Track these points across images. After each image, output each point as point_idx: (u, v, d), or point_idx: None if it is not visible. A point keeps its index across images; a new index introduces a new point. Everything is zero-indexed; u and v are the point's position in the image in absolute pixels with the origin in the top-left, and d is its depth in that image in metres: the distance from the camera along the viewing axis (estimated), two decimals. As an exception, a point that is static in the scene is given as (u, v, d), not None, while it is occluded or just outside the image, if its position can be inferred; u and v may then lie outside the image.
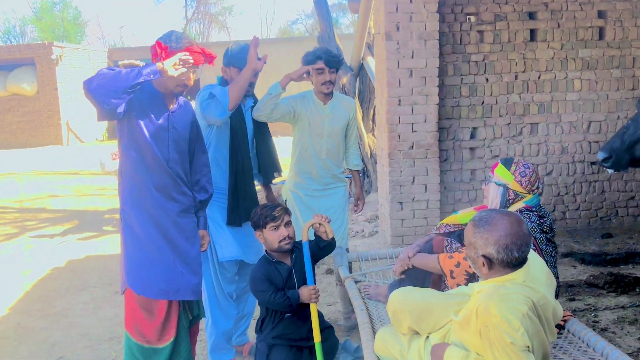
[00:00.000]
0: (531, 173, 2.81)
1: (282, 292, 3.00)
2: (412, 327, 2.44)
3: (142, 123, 2.63)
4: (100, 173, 12.68)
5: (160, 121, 2.68)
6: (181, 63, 2.57)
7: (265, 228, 3.00)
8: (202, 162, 2.93)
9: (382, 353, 2.53)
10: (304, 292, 3.00)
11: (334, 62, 3.58)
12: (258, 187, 3.63)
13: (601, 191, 5.97)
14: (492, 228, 2.05)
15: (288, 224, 3.03)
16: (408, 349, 2.42)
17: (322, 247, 3.13)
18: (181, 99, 2.83)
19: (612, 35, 5.76)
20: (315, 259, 3.17)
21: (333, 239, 3.15)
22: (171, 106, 2.74)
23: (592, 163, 5.92)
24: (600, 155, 3.61)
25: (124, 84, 2.42)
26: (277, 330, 3.10)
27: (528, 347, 1.94)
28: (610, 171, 3.67)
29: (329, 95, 3.70)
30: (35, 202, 9.69)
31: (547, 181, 5.88)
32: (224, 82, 3.26)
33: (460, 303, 2.30)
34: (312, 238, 3.18)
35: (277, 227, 2.99)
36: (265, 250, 3.12)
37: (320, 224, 3.09)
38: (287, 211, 3.08)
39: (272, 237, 2.99)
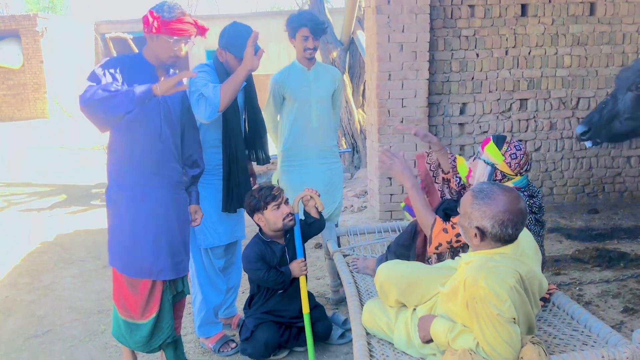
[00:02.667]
0: (522, 155, 2.71)
1: (275, 269, 3.04)
2: (399, 300, 2.47)
3: None
4: (87, 147, 12.60)
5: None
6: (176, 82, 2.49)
7: (266, 209, 3.02)
8: (193, 138, 2.90)
9: (370, 325, 2.55)
10: (295, 267, 3.05)
11: (319, 29, 3.57)
12: None
13: (588, 167, 6.01)
14: (491, 202, 2.05)
15: (287, 201, 3.07)
16: (395, 321, 2.45)
17: (310, 224, 3.15)
18: (171, 71, 2.79)
19: (603, 11, 5.74)
20: (305, 237, 3.19)
21: (322, 216, 3.17)
22: (162, 79, 2.70)
23: (580, 139, 5.95)
24: (579, 129, 3.64)
25: (118, 112, 2.39)
26: (267, 306, 3.13)
27: (514, 318, 1.97)
28: (588, 144, 3.69)
29: (311, 61, 3.69)
30: (22, 176, 9.60)
31: (535, 157, 5.91)
32: (217, 62, 3.17)
33: (447, 276, 2.33)
34: (302, 217, 3.20)
35: (278, 206, 3.02)
36: (260, 230, 3.14)
37: (310, 197, 3.11)
38: (281, 190, 3.12)
39: (275, 216, 3.02)
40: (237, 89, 2.92)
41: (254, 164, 3.54)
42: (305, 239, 3.22)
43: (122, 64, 2.60)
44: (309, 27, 3.52)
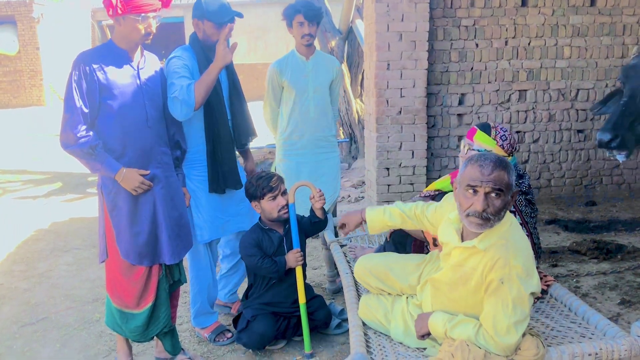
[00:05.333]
0: (510, 136, 2.77)
1: (269, 258, 3.02)
2: (379, 287, 2.57)
3: (115, 92, 2.58)
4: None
5: (132, 81, 2.64)
6: None
7: (263, 199, 3.01)
8: (173, 118, 2.86)
9: (367, 317, 2.54)
10: (290, 257, 3.03)
11: (312, 15, 3.56)
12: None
13: (586, 159, 5.99)
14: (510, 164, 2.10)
15: (284, 193, 3.05)
16: (392, 310, 2.45)
17: (313, 223, 3.14)
18: (145, 51, 2.76)
19: (604, 2, 5.70)
20: (307, 234, 3.18)
21: (326, 217, 3.16)
22: (138, 61, 2.68)
23: (579, 131, 5.93)
24: (606, 137, 3.22)
25: (89, 169, 2.67)
26: (265, 297, 3.11)
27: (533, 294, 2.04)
28: (620, 158, 3.38)
29: (310, 49, 3.69)
30: (18, 163, 9.55)
31: (534, 148, 5.89)
32: (195, 41, 3.07)
33: (419, 264, 2.50)
34: (307, 214, 3.18)
35: (274, 197, 3.00)
36: (259, 218, 3.12)
37: (319, 197, 3.08)
38: (281, 180, 3.10)
39: (270, 207, 3.01)
40: (211, 86, 2.88)
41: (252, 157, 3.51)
42: (307, 235, 3.20)
43: (96, 59, 2.56)
44: (303, 12, 3.54)
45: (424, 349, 2.32)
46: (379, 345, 2.38)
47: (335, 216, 4.03)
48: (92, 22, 20.64)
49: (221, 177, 3.13)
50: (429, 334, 2.20)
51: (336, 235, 3.77)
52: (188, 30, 20.70)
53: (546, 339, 2.26)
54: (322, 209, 3.11)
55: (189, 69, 2.95)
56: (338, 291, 3.81)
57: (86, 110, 2.53)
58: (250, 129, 3.33)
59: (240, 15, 3.06)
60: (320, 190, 3.07)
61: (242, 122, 3.27)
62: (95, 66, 2.54)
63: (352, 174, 7.44)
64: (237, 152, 3.37)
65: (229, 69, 3.22)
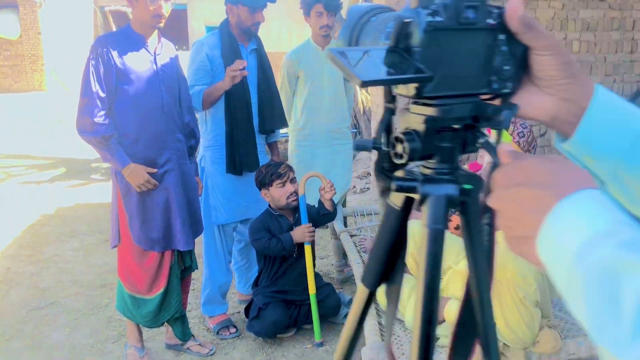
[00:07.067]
0: (529, 133, 2.72)
1: (276, 238, 3.01)
2: (414, 254, 2.44)
3: (131, 76, 2.57)
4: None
5: (149, 66, 2.63)
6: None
7: (271, 186, 3.02)
8: (187, 106, 2.86)
9: (382, 302, 2.54)
10: (298, 232, 3.01)
11: (332, 5, 3.55)
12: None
13: (593, 154, 5.99)
14: None
15: (293, 180, 3.05)
16: (407, 299, 2.45)
17: (322, 215, 3.15)
18: (162, 38, 2.75)
19: (614, -4, 5.68)
20: (315, 224, 3.18)
21: (335, 209, 3.16)
22: (155, 47, 2.66)
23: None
24: None
25: (97, 154, 2.67)
26: (276, 286, 3.11)
27: (537, 301, 1.97)
28: None
29: (326, 39, 3.67)
30: (20, 148, 9.52)
31: (541, 142, 5.88)
32: (224, 29, 3.10)
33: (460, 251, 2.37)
34: (316, 205, 3.18)
35: (283, 184, 3.01)
36: (269, 205, 3.12)
37: (330, 189, 3.08)
38: (291, 168, 3.10)
39: (279, 194, 3.02)
40: (217, 99, 3.05)
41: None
42: (315, 225, 3.20)
43: (113, 44, 2.55)
44: (323, 3, 3.51)
45: (437, 338, 2.33)
46: (394, 334, 2.38)
47: (345, 207, 4.02)
48: (95, 7, 20.51)
49: (237, 159, 3.15)
50: (443, 321, 2.21)
51: (346, 225, 3.78)
52: (191, 18, 20.59)
53: (562, 332, 2.26)
54: (331, 200, 3.11)
55: (208, 58, 3.06)
56: (346, 281, 3.82)
57: (103, 95, 2.52)
58: (276, 116, 3.33)
59: (272, 1, 3.09)
60: (330, 182, 3.07)
61: (268, 109, 3.27)
62: (112, 50, 2.53)
63: (357, 165, 7.44)
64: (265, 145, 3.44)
65: (261, 56, 3.25)
